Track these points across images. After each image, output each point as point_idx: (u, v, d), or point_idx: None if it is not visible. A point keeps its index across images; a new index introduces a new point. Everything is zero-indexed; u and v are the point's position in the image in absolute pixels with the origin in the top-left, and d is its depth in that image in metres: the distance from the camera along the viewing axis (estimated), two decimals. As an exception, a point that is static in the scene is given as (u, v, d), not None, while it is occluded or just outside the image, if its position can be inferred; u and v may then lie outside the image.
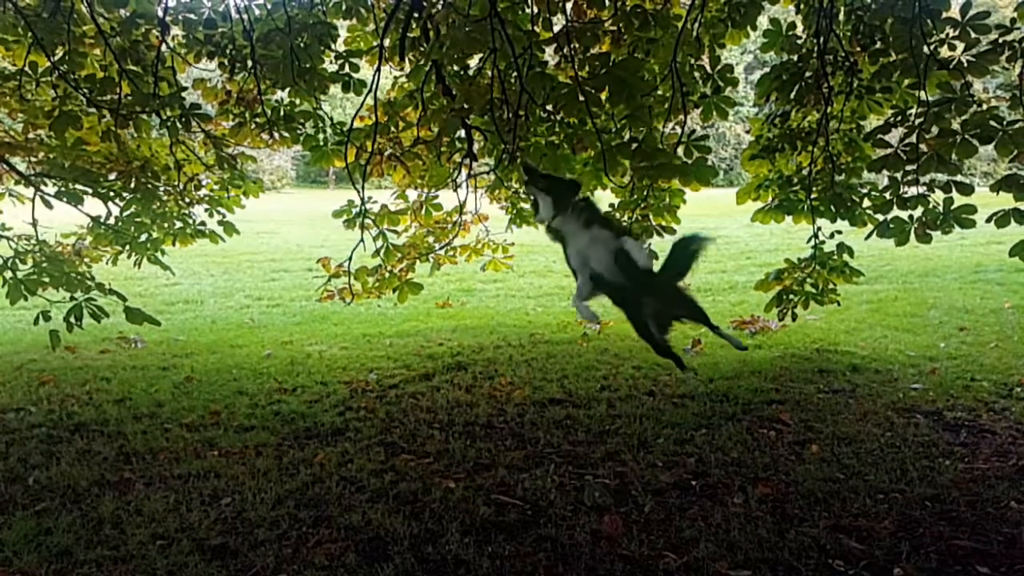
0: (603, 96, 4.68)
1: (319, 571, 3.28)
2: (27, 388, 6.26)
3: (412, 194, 7.14)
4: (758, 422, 5.17)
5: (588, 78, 4.62)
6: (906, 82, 5.39)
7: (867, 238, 5.64)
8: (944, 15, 4.84)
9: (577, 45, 4.93)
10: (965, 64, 4.78)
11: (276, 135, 6.35)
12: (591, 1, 5.33)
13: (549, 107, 4.90)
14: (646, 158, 5.06)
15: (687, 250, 3.84)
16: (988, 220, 4.85)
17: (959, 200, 5.13)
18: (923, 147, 4.82)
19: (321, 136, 6.39)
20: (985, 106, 4.72)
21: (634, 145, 5.17)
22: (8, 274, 5.40)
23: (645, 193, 6.55)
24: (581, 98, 4.43)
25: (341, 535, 3.58)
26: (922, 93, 4.84)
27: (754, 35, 6.62)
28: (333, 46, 5.86)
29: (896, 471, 4.24)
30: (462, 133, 5.95)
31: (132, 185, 6.23)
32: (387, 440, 4.92)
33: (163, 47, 5.59)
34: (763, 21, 6.28)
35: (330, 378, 6.58)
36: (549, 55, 5.43)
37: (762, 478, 4.18)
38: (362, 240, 6.36)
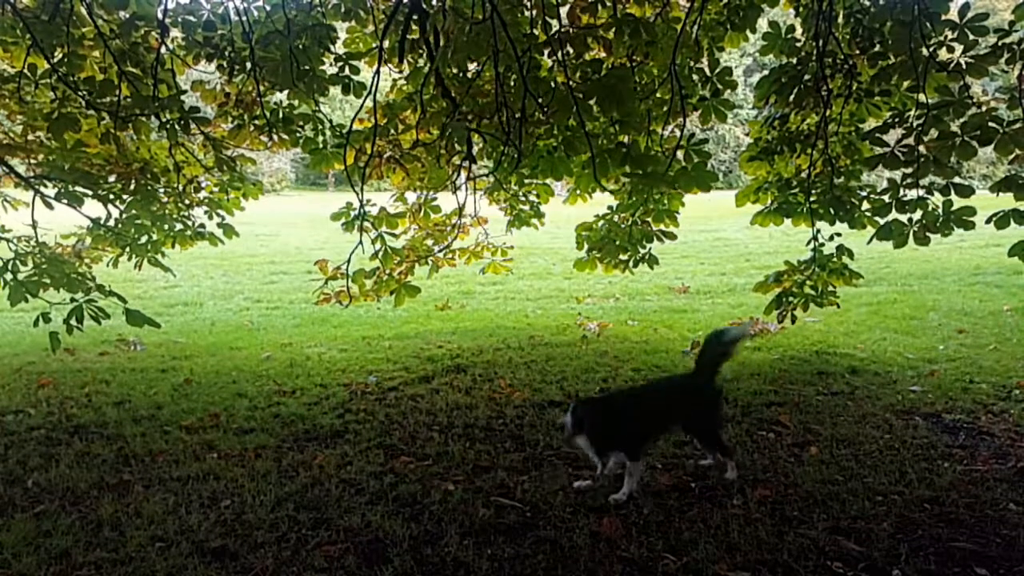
0: (593, 102, 4.69)
1: (318, 573, 3.28)
2: (26, 390, 6.25)
3: (411, 196, 7.15)
4: (757, 424, 5.17)
5: (580, 83, 4.64)
6: (905, 85, 5.40)
7: (869, 242, 5.65)
8: (943, 17, 4.85)
9: (570, 51, 4.95)
10: (964, 66, 4.79)
11: (275, 137, 6.35)
12: (585, 7, 5.34)
13: (545, 110, 4.92)
14: (636, 165, 5.09)
15: (719, 344, 4.28)
16: (988, 221, 4.87)
17: (959, 202, 5.14)
18: (921, 149, 4.83)
19: (320, 138, 6.40)
20: (984, 108, 4.73)
21: (624, 151, 5.20)
22: (9, 276, 5.39)
23: (645, 197, 6.56)
24: (575, 108, 4.45)
25: (340, 537, 3.58)
26: (921, 96, 4.85)
27: (753, 38, 6.64)
28: (332, 48, 5.86)
29: (895, 473, 4.24)
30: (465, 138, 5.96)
31: (132, 187, 6.24)
32: (386, 442, 4.92)
33: (162, 49, 5.60)
34: (762, 24, 6.30)
35: (329, 380, 6.58)
36: (545, 58, 5.44)
37: (761, 480, 4.19)
38: (360, 243, 6.36)
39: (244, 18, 5.53)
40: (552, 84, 4.92)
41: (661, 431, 4.42)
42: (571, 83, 4.56)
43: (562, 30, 5.05)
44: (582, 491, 4.05)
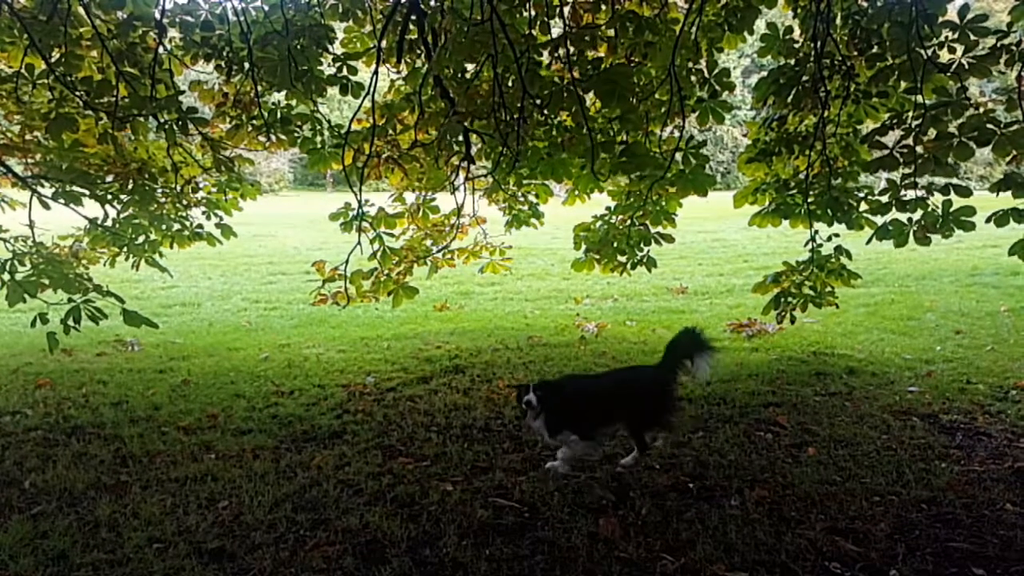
0: (592, 97, 4.71)
1: (316, 574, 3.27)
2: (23, 391, 6.24)
3: (410, 197, 7.15)
4: (755, 425, 5.18)
5: (579, 80, 4.64)
6: (903, 86, 5.41)
7: (868, 241, 5.66)
8: (943, 19, 4.86)
9: (572, 49, 4.95)
10: (966, 66, 4.80)
11: (273, 137, 6.35)
12: (588, 7, 5.35)
13: (544, 110, 4.92)
14: (633, 159, 5.11)
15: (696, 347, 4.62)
16: (988, 220, 4.88)
17: (958, 202, 5.15)
18: (920, 149, 4.84)
19: (318, 139, 6.40)
20: (982, 109, 4.74)
21: (621, 146, 5.21)
22: (7, 276, 5.38)
23: (643, 199, 6.55)
24: (571, 101, 4.45)
25: (338, 538, 3.58)
26: (919, 97, 4.86)
27: (751, 39, 6.63)
28: (330, 48, 5.86)
29: (892, 474, 4.25)
30: (460, 136, 5.96)
31: (129, 187, 6.23)
32: (384, 443, 4.92)
33: (160, 49, 5.59)
34: (760, 25, 6.30)
35: (327, 381, 6.57)
36: (545, 57, 5.44)
37: (759, 480, 4.19)
38: (359, 243, 6.35)
39: (242, 18, 5.52)
40: (553, 80, 4.92)
41: (614, 419, 4.52)
42: (572, 77, 4.57)
43: (565, 29, 5.06)
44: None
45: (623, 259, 7.19)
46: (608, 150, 5.28)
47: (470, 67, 5.49)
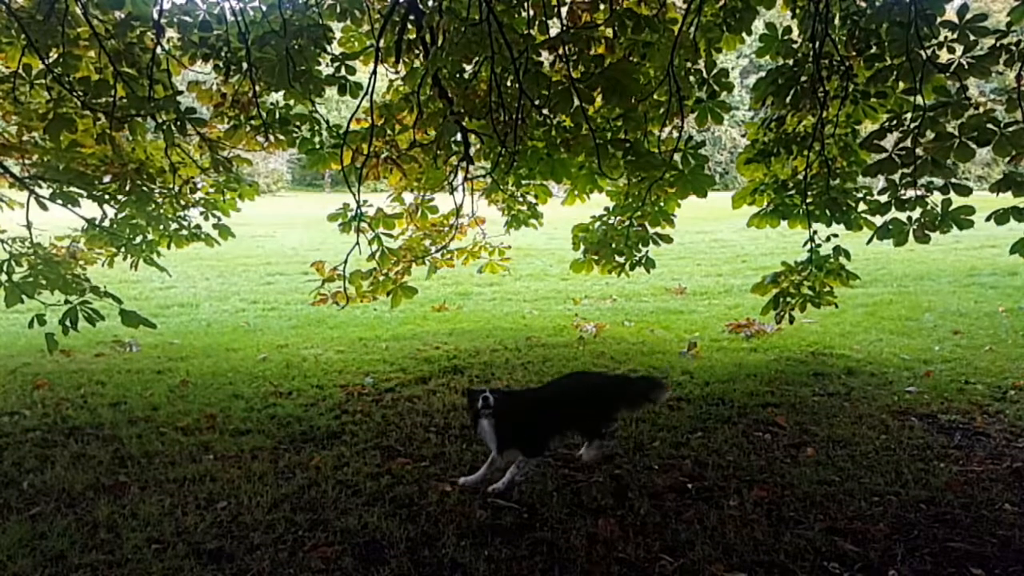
0: (596, 95, 4.70)
1: (315, 575, 3.27)
2: (21, 392, 6.23)
3: (408, 197, 7.14)
4: (754, 425, 5.18)
5: (582, 78, 4.63)
6: (901, 86, 5.41)
7: (869, 241, 5.67)
8: (943, 19, 4.87)
9: (572, 47, 4.95)
10: (965, 66, 4.80)
11: (271, 138, 6.34)
12: (586, 6, 5.35)
13: (545, 110, 4.91)
14: (635, 156, 5.11)
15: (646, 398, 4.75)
16: (988, 219, 4.89)
17: (957, 201, 5.16)
18: (919, 151, 4.84)
19: (317, 139, 6.39)
20: (981, 109, 4.74)
21: (626, 145, 5.21)
22: (4, 277, 5.37)
23: (642, 200, 6.55)
24: (576, 100, 4.44)
25: (337, 539, 3.57)
26: (918, 97, 4.86)
27: (750, 39, 6.62)
28: (328, 48, 5.85)
29: (891, 474, 4.25)
30: (458, 136, 5.96)
31: (127, 188, 6.21)
32: (383, 444, 4.91)
33: (158, 50, 5.58)
34: (759, 25, 6.30)
35: (326, 382, 6.56)
36: (544, 56, 5.44)
37: (758, 481, 4.19)
38: (357, 244, 6.35)
39: (240, 19, 5.51)
40: (553, 79, 4.92)
41: (564, 431, 4.54)
42: (573, 76, 4.57)
43: (562, 28, 5.06)
44: (467, 486, 4.13)
45: (621, 260, 7.18)
46: (617, 148, 5.29)
47: (468, 67, 5.49)
